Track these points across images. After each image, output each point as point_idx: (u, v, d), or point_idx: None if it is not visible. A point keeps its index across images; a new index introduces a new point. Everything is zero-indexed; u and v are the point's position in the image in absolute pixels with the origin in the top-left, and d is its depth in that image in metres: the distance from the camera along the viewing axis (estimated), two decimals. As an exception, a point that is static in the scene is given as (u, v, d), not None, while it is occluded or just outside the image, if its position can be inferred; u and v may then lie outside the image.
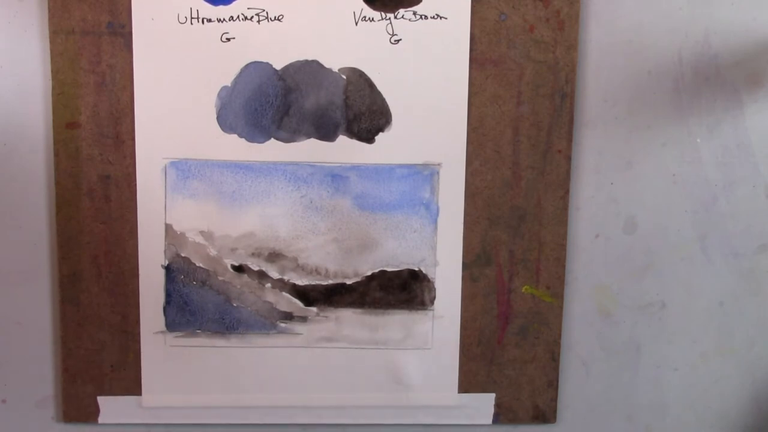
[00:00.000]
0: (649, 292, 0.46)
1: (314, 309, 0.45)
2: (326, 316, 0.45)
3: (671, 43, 0.44)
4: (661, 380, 0.45)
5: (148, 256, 0.44)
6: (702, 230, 0.45)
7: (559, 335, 0.46)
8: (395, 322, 0.45)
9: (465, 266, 0.45)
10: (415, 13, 0.43)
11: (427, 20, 0.43)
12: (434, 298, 0.45)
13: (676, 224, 0.45)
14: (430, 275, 0.45)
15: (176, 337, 0.44)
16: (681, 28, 0.43)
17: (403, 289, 0.45)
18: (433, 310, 0.45)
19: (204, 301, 0.44)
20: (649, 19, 0.43)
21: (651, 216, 0.45)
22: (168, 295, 0.44)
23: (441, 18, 0.43)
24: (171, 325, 0.44)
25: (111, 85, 0.43)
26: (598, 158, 0.44)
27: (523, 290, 0.46)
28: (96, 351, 0.44)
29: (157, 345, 0.44)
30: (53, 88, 0.42)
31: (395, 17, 0.43)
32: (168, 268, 0.44)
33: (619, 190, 0.45)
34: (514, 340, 0.46)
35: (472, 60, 0.44)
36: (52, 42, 0.42)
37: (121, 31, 0.42)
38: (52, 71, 0.42)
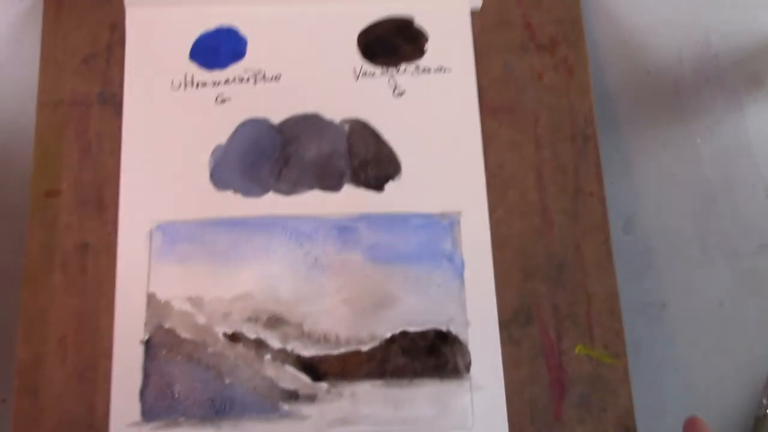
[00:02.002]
0: (649, 292, 0.68)
1: (324, 384, 0.61)
2: (339, 393, 0.61)
3: (671, 43, 0.71)
4: (661, 380, 0.62)
5: (126, 332, 0.62)
6: (702, 230, 0.69)
7: (631, 405, 0.62)
8: (425, 395, 0.61)
9: (502, 326, 0.64)
10: (417, 67, 0.71)
11: (430, 73, 0.71)
12: (470, 363, 0.62)
13: (676, 224, 0.69)
14: (461, 337, 0.63)
15: (154, 429, 0.60)
16: (681, 28, 0.71)
17: (431, 354, 0.63)
18: (470, 379, 0.62)
19: (190, 380, 0.61)
20: (649, 19, 0.71)
21: (651, 216, 0.69)
22: (146, 375, 0.61)
23: (445, 71, 0.71)
24: (148, 413, 0.60)
25: (97, 152, 0.67)
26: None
27: (576, 351, 0.64)
28: None
29: None
30: (35, 157, 0.66)
31: (397, 71, 0.70)
32: (148, 343, 0.62)
33: (619, 190, 0.69)
34: (575, 413, 0.62)
35: (483, 108, 0.69)
36: (39, 113, 0.67)
37: (111, 100, 0.69)
38: (35, 140, 0.67)
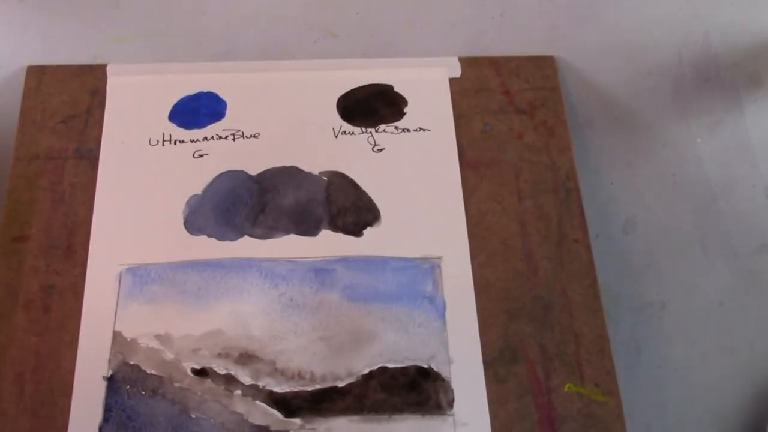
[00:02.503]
0: (649, 292, 0.74)
1: (298, 420, 0.65)
2: (314, 429, 0.64)
3: (671, 43, 0.79)
4: (661, 380, 0.66)
5: (88, 368, 0.66)
6: (702, 230, 0.75)
7: None
8: (406, 430, 0.65)
9: (487, 364, 0.68)
10: (396, 128, 0.80)
11: (409, 132, 0.80)
12: (452, 400, 0.66)
13: (676, 224, 0.75)
14: (444, 374, 0.67)
15: None
16: (681, 28, 0.79)
17: (412, 389, 0.66)
18: (453, 414, 0.65)
19: (153, 414, 0.64)
20: (649, 19, 0.79)
21: (651, 216, 0.75)
22: (107, 410, 0.64)
23: (424, 130, 0.80)
24: (107, 449, 0.63)
25: (70, 200, 0.75)
26: (598, 158, 0.75)
27: (565, 389, 0.67)
28: None
29: None
30: (6, 205, 0.74)
31: (376, 131, 0.79)
32: (111, 379, 0.66)
33: (619, 190, 0.75)
34: None
35: (463, 164, 0.78)
36: (13, 167, 0.76)
37: (88, 155, 0.77)
38: (8, 190, 0.74)
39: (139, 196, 0.74)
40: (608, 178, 0.79)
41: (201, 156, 0.77)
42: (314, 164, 0.76)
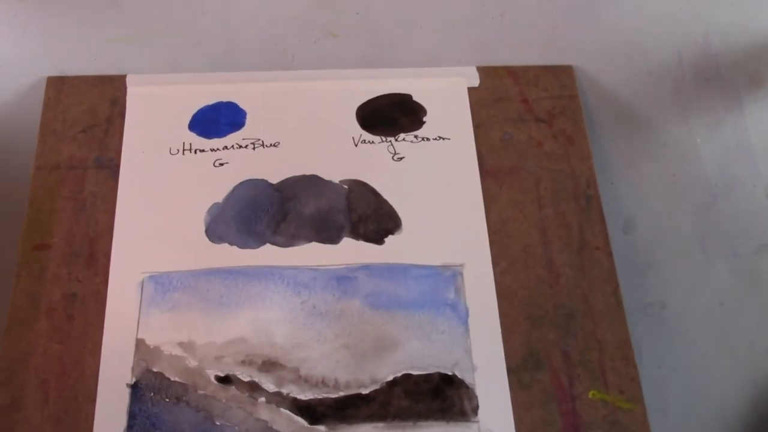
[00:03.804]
0: (649, 292, 0.74)
1: (322, 428, 0.65)
2: (338, 436, 0.65)
3: (671, 43, 0.80)
4: (661, 380, 0.66)
5: (111, 375, 0.66)
6: (702, 230, 0.76)
7: None
8: (430, 438, 0.65)
9: (511, 371, 0.68)
10: (416, 137, 0.80)
11: (429, 141, 0.80)
12: (477, 407, 0.66)
13: (676, 224, 0.76)
14: (467, 380, 0.67)
15: None
16: (681, 28, 0.80)
17: (436, 396, 0.66)
18: (478, 422, 0.65)
19: (178, 422, 0.64)
20: (649, 19, 0.79)
21: (651, 216, 0.75)
22: (131, 417, 0.64)
23: (444, 139, 0.80)
24: (132, 456, 0.63)
25: (91, 209, 0.75)
26: (598, 158, 0.75)
27: (590, 396, 0.67)
28: None
29: None
30: (28, 214, 0.74)
31: (396, 140, 0.80)
32: (134, 386, 0.66)
33: (619, 190, 0.76)
34: None
35: (483, 172, 0.78)
36: (34, 177, 0.76)
37: (108, 164, 0.78)
38: (29, 199, 0.75)
39: (160, 205, 0.75)
40: (608, 178, 0.80)
41: (221, 165, 0.77)
42: (334, 173, 0.77)
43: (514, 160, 0.79)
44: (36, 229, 0.74)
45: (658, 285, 0.78)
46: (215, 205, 0.75)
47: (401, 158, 0.78)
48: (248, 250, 0.72)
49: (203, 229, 0.73)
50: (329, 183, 0.76)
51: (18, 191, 0.77)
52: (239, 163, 0.77)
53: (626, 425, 0.67)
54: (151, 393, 0.66)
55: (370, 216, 0.75)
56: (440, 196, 0.76)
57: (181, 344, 0.68)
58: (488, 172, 0.78)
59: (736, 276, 0.78)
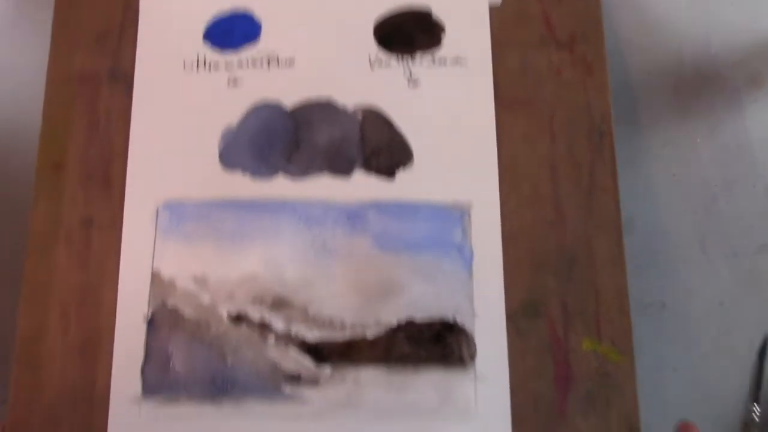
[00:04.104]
0: (649, 292, 0.77)
1: (328, 368, 0.69)
2: (343, 377, 0.69)
3: (671, 43, 0.80)
4: (661, 380, 0.70)
5: (128, 307, 0.70)
6: (702, 230, 0.78)
7: (636, 404, 0.69)
8: (428, 382, 0.69)
9: (509, 318, 0.71)
10: (433, 58, 0.79)
11: (446, 65, 0.79)
12: (475, 353, 0.70)
13: (676, 224, 0.78)
14: (467, 327, 0.71)
15: (154, 404, 0.68)
16: (681, 28, 0.80)
17: (437, 343, 0.70)
18: (474, 369, 0.70)
19: (192, 359, 0.69)
20: (649, 19, 0.80)
21: (651, 216, 0.78)
22: (148, 352, 0.69)
23: (461, 63, 0.79)
24: (149, 389, 0.68)
25: (105, 127, 0.76)
26: None
27: (583, 347, 0.72)
28: (52, 425, 0.67)
29: (129, 415, 0.67)
30: (42, 129, 0.75)
31: (412, 60, 0.79)
32: (151, 321, 0.70)
33: (619, 190, 0.75)
34: (579, 409, 0.69)
35: (498, 101, 0.78)
36: (48, 87, 0.76)
37: (122, 78, 0.77)
38: (43, 114, 0.75)
39: (175, 127, 0.75)
40: None
41: (235, 85, 0.76)
42: (349, 97, 0.76)
43: (531, 89, 0.77)
44: (52, 146, 0.75)
45: (658, 285, 0.80)
46: (229, 129, 0.75)
47: (417, 83, 0.77)
48: (261, 181, 0.74)
49: (217, 154, 0.74)
50: (343, 110, 0.76)
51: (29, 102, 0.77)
52: (253, 82, 0.76)
53: (615, 378, 0.70)
54: (166, 329, 0.70)
55: (382, 149, 0.75)
56: (453, 127, 0.76)
57: (194, 278, 0.71)
58: (503, 102, 0.77)
59: (736, 276, 0.80)
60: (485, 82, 0.77)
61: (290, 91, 0.76)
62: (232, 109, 0.76)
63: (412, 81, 0.77)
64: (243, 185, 0.74)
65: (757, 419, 0.74)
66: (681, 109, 0.82)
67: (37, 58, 0.77)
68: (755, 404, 0.75)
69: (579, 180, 0.75)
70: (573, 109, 0.77)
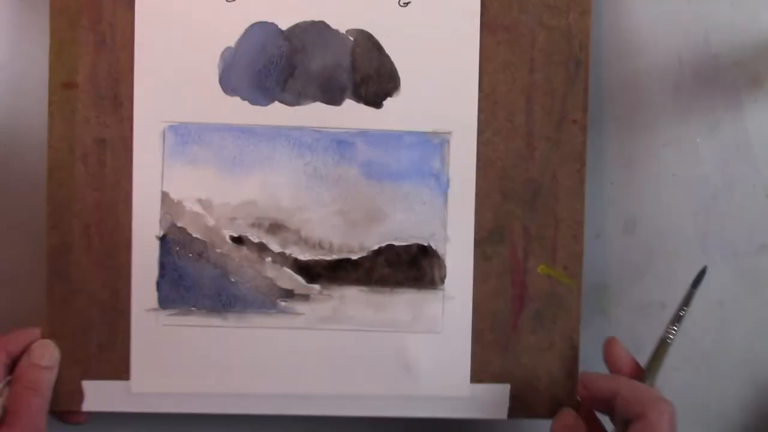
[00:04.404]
0: (649, 292, 0.84)
1: (317, 287, 0.80)
2: (330, 295, 0.80)
3: (671, 43, 0.83)
4: (661, 380, 0.77)
5: (143, 226, 0.79)
6: (702, 230, 0.84)
7: (579, 321, 0.81)
8: (403, 302, 0.81)
9: (477, 243, 0.81)
10: None
11: None
12: (444, 276, 0.81)
13: (676, 224, 0.84)
14: (440, 251, 0.81)
15: (169, 315, 0.79)
16: (681, 28, 0.83)
17: (412, 266, 0.81)
18: (443, 289, 0.81)
19: (200, 276, 0.80)
20: (649, 19, 0.82)
21: (651, 216, 0.84)
22: (162, 268, 0.80)
23: None
24: (164, 302, 0.79)
25: (111, 44, 0.79)
26: (598, 158, 0.83)
27: (538, 270, 0.82)
28: (83, 330, 0.79)
29: (148, 323, 0.79)
30: (51, 46, 0.79)
31: None
32: (163, 239, 0.80)
33: (619, 190, 0.83)
34: (529, 325, 0.82)
35: (483, 25, 0.81)
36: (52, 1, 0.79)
37: (122, -9, 0.80)
38: (50, 29, 0.78)
39: (176, 46, 0.79)
40: (608, 178, 0.83)
41: (233, 0, 0.78)
42: (341, 18, 0.80)
43: (515, 13, 0.80)
44: (62, 64, 0.79)
45: (658, 285, 0.85)
46: (228, 49, 0.79)
47: (407, 3, 0.79)
48: (258, 107, 0.79)
49: (217, 77, 0.79)
50: (336, 33, 0.79)
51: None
52: (250, -1, 0.80)
53: (562, 298, 0.81)
54: (177, 247, 0.79)
55: (372, 76, 0.79)
56: (439, 52, 0.80)
57: (200, 201, 0.79)
58: (488, 26, 0.80)
59: (736, 276, 0.84)
60: (473, 3, 0.80)
61: (286, 10, 0.79)
62: (230, 27, 0.79)
63: (403, 0, 0.80)
64: (241, 111, 0.79)
65: (669, 340, 0.79)
66: (681, 109, 0.85)
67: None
68: (674, 325, 0.79)
69: (551, 111, 0.81)
70: (554, 34, 0.81)
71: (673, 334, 0.78)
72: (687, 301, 0.79)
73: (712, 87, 0.84)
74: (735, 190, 0.85)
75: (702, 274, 0.81)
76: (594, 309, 0.86)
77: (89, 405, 0.80)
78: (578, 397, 0.80)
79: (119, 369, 0.80)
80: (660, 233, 0.86)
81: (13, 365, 0.77)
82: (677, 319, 0.78)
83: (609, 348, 0.79)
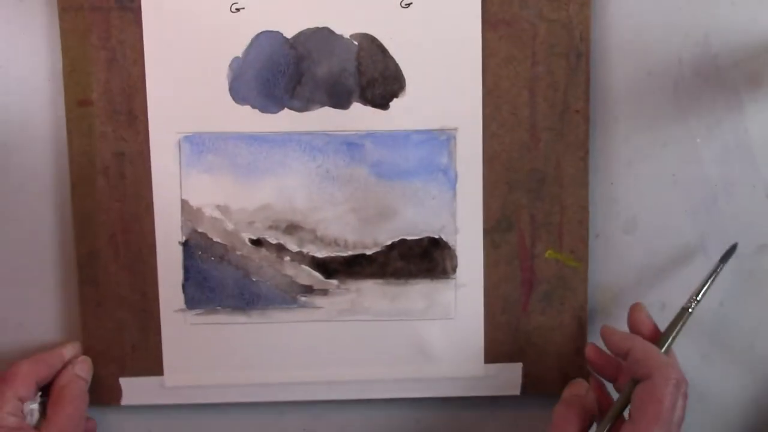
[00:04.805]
0: (649, 292, 0.85)
1: (335, 281, 0.85)
2: (347, 288, 0.85)
3: (671, 43, 0.83)
4: None
5: (165, 233, 0.83)
6: (702, 230, 0.85)
7: (585, 301, 0.86)
8: (417, 291, 0.85)
9: (486, 232, 0.85)
10: None
11: None
12: (456, 266, 0.85)
13: (676, 224, 0.85)
14: (450, 243, 0.84)
15: (196, 314, 0.84)
16: (681, 28, 0.83)
17: (424, 258, 0.85)
18: (455, 278, 0.85)
19: (223, 277, 0.84)
20: (649, 19, 0.82)
21: (651, 216, 0.85)
22: (186, 271, 0.84)
23: None
24: (190, 303, 0.84)
25: (122, 60, 0.82)
26: (598, 158, 0.84)
27: (546, 255, 0.86)
28: (116, 331, 0.84)
29: (177, 323, 0.84)
30: (64, 66, 0.81)
31: None
32: (185, 244, 0.84)
33: (619, 190, 0.84)
34: (539, 307, 0.86)
35: (485, 21, 0.82)
36: (61, 19, 0.80)
37: (130, 6, 0.81)
38: (62, 49, 0.81)
39: (185, 58, 0.81)
40: (608, 178, 0.83)
41: (238, 10, 0.80)
42: (345, 23, 0.81)
43: (516, 8, 0.81)
44: (76, 82, 0.81)
45: (658, 285, 0.85)
46: (236, 59, 0.81)
47: (409, 4, 0.81)
48: (269, 115, 0.82)
49: (227, 87, 0.81)
50: (340, 38, 0.81)
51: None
52: (255, 8, 0.81)
53: (569, 280, 0.85)
54: (199, 251, 0.83)
55: (377, 79, 0.81)
56: (442, 50, 0.82)
57: (218, 207, 0.83)
58: (489, 21, 0.82)
59: (736, 276, 0.84)
60: (473, 0, 0.81)
61: (290, 18, 0.81)
62: (236, 38, 0.81)
63: (405, 1, 0.81)
64: (252, 119, 0.82)
65: (691, 310, 0.82)
66: (681, 109, 0.85)
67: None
68: (696, 295, 0.82)
69: (554, 102, 0.83)
70: (554, 27, 0.82)
71: (695, 304, 0.81)
72: (713, 274, 0.82)
73: (712, 87, 0.85)
74: (735, 190, 0.86)
75: (732, 249, 0.84)
76: (594, 309, 0.89)
77: (127, 399, 0.86)
78: (587, 362, 0.85)
79: (153, 366, 0.85)
80: (660, 233, 0.87)
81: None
82: (700, 290, 0.82)
83: (633, 312, 0.83)
